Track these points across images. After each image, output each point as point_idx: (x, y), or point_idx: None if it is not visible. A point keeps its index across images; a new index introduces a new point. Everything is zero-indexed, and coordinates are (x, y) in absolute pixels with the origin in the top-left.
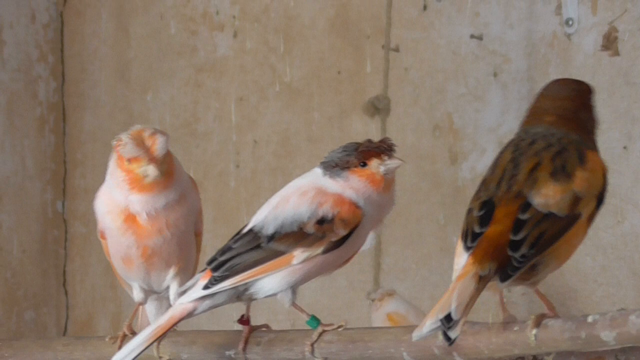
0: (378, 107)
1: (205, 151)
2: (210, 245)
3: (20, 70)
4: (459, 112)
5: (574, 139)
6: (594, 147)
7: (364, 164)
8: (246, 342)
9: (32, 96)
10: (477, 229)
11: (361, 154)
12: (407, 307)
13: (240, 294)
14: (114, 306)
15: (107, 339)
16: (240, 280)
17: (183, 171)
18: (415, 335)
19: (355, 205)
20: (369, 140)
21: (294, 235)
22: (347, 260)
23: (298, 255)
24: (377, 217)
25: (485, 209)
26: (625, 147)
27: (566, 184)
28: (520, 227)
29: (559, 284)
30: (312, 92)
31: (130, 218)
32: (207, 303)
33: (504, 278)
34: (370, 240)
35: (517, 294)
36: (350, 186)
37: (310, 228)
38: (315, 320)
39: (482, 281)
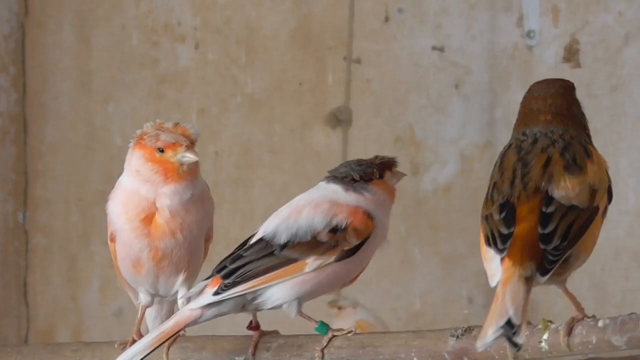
0: (340, 119)
1: None
2: None
3: None
4: (421, 124)
5: (574, 135)
6: (591, 142)
7: (381, 176)
8: (255, 347)
9: None
10: (504, 231)
11: (380, 166)
12: (373, 317)
13: (247, 303)
14: (75, 317)
15: (116, 345)
16: (252, 287)
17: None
18: (480, 345)
19: (368, 216)
20: (375, 156)
21: (307, 244)
22: (355, 277)
23: (311, 263)
24: (384, 231)
25: (506, 210)
26: None
27: (581, 176)
28: (548, 221)
29: None
30: (274, 104)
31: (148, 218)
32: (213, 311)
33: (543, 272)
34: None
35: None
36: (372, 199)
37: (324, 236)
38: (324, 326)
39: (528, 282)
